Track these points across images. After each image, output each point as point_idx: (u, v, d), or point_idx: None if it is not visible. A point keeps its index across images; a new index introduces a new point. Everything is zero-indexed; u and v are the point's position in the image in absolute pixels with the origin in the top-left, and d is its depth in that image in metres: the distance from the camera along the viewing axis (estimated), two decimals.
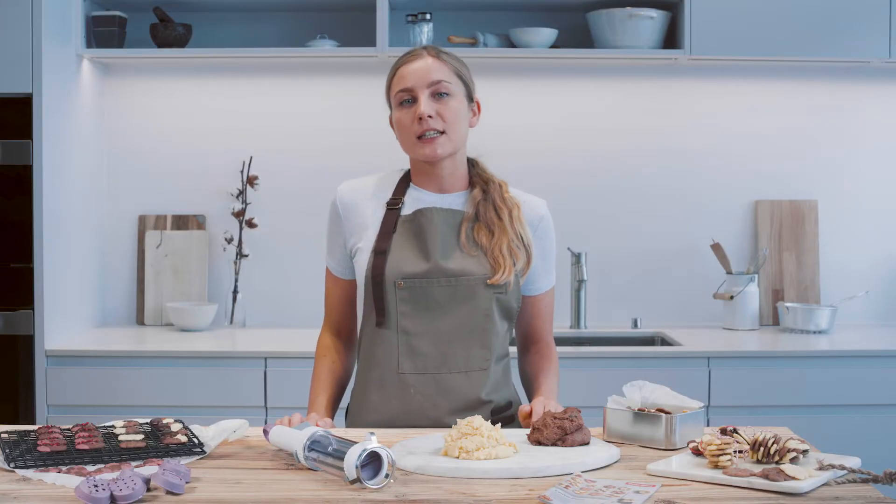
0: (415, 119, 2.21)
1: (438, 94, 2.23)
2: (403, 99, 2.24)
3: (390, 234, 2.24)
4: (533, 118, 3.96)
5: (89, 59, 3.74)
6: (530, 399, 2.33)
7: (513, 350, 2.39)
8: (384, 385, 2.24)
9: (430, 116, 2.20)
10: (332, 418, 2.32)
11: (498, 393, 2.27)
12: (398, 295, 2.21)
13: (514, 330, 2.39)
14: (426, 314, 2.22)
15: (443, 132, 2.22)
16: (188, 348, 3.46)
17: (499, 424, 1.96)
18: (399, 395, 2.23)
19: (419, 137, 2.21)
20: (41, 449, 1.87)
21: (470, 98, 2.30)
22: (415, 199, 2.28)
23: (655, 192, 3.99)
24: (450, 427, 2.16)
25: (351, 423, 2.33)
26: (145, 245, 3.94)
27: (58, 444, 1.89)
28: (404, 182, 2.31)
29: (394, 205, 2.27)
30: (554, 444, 1.95)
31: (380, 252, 2.23)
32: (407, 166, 2.34)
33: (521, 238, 2.27)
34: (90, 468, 1.82)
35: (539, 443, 1.96)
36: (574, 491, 1.69)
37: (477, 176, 2.32)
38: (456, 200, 2.28)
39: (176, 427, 2.03)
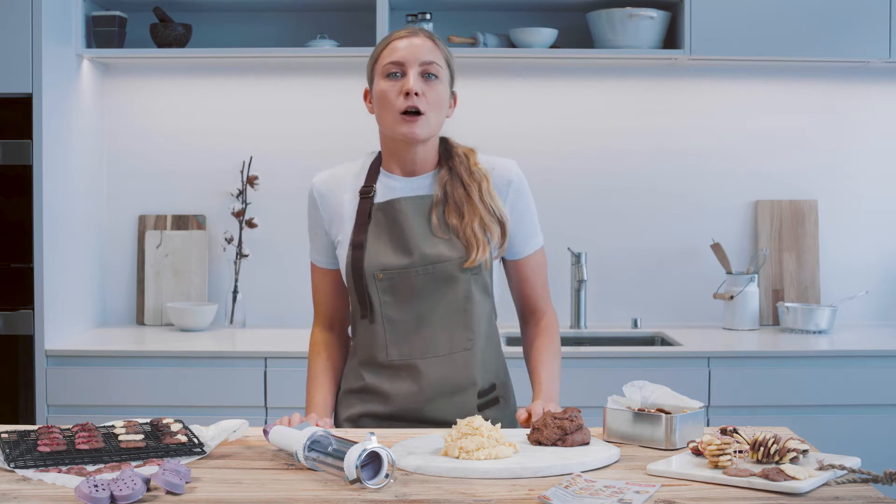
0: (401, 93, 2.20)
1: (427, 75, 2.22)
2: (392, 71, 2.22)
3: (365, 226, 2.24)
4: (533, 118, 3.96)
5: (89, 59, 3.74)
6: (532, 385, 2.32)
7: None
8: (375, 375, 2.25)
9: (416, 94, 2.19)
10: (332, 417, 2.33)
11: (484, 374, 2.27)
12: (379, 286, 2.22)
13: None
14: (408, 302, 2.22)
15: (426, 112, 2.20)
16: (188, 348, 3.46)
17: (499, 424, 1.96)
18: (389, 382, 2.24)
19: (403, 113, 2.20)
20: (41, 449, 1.87)
21: (451, 88, 2.29)
22: (385, 186, 2.27)
23: (655, 192, 3.99)
24: (438, 414, 2.21)
25: (340, 417, 2.33)
26: (145, 245, 3.94)
27: (58, 444, 1.89)
28: (375, 168, 2.30)
29: (366, 193, 2.26)
30: (554, 444, 1.95)
31: (357, 245, 2.23)
32: (379, 148, 2.33)
33: (493, 212, 2.25)
34: (90, 468, 1.82)
35: (539, 443, 1.96)
36: (574, 491, 1.69)
37: (444, 152, 2.30)
38: (423, 183, 2.27)
39: (176, 427, 2.03)
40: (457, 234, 2.23)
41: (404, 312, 2.23)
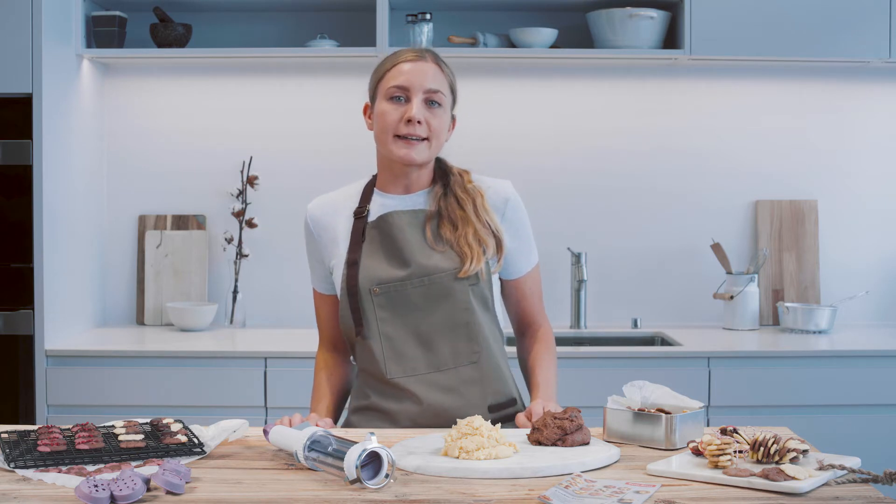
0: (402, 118, 2.21)
1: (431, 102, 2.23)
2: (395, 95, 2.22)
3: (360, 244, 2.24)
4: (533, 118, 3.96)
5: (89, 59, 3.74)
6: (529, 389, 2.33)
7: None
8: (379, 394, 2.24)
9: (419, 122, 2.20)
10: (335, 421, 2.32)
11: (496, 387, 2.26)
12: (375, 302, 2.21)
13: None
14: (405, 317, 2.22)
15: (425, 139, 2.22)
16: (188, 348, 3.46)
17: (499, 424, 1.96)
18: (394, 401, 2.23)
19: (401, 136, 2.21)
20: (41, 449, 1.87)
21: (451, 111, 2.30)
22: (379, 205, 2.28)
23: (655, 192, 3.99)
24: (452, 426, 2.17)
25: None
26: (145, 245, 3.94)
27: (58, 444, 1.89)
28: (370, 189, 2.31)
29: (360, 214, 2.27)
30: (554, 444, 1.95)
31: (352, 263, 2.23)
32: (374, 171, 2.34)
33: (489, 225, 2.25)
34: (90, 468, 1.82)
35: (539, 443, 1.96)
36: (574, 491, 1.69)
37: (438, 171, 2.31)
38: (418, 200, 2.28)
39: (176, 427, 2.03)
40: (451, 246, 2.23)
41: (402, 328, 2.22)
